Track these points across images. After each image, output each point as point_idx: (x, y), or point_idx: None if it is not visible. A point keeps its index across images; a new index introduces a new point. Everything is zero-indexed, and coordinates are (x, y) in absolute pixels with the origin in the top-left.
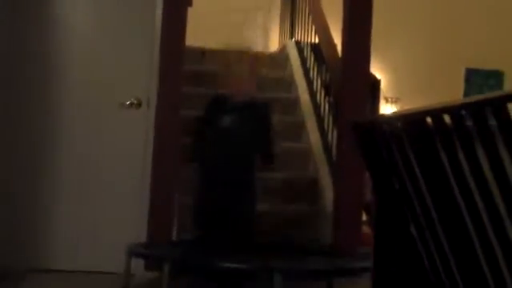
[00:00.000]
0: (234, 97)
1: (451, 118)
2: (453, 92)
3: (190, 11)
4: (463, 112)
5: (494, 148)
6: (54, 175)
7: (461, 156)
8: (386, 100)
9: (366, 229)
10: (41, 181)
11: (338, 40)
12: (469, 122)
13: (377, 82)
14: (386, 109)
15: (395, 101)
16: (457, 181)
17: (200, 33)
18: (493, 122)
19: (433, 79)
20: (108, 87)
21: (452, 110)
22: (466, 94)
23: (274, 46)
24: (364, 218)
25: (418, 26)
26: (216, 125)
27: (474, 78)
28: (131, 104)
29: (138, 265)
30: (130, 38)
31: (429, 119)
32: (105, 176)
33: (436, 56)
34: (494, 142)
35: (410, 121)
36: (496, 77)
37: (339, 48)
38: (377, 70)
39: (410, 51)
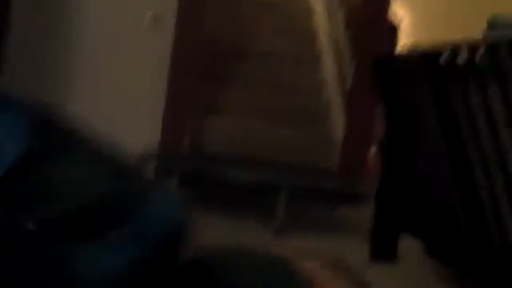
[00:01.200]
0: None
1: (468, 54)
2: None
3: None
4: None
5: (507, 88)
6: (70, 83)
7: (472, 94)
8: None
9: (374, 161)
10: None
11: None
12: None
13: (394, 29)
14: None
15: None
16: (466, 119)
17: None
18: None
19: (455, 28)
20: (128, 1)
21: (469, 47)
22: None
23: None
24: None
25: None
26: None
27: (499, 26)
28: (150, 19)
29: (148, 174)
30: None
31: (442, 58)
32: (122, 87)
33: (460, 4)
34: (506, 80)
35: (425, 57)
36: None
37: None
38: (397, 12)
39: None
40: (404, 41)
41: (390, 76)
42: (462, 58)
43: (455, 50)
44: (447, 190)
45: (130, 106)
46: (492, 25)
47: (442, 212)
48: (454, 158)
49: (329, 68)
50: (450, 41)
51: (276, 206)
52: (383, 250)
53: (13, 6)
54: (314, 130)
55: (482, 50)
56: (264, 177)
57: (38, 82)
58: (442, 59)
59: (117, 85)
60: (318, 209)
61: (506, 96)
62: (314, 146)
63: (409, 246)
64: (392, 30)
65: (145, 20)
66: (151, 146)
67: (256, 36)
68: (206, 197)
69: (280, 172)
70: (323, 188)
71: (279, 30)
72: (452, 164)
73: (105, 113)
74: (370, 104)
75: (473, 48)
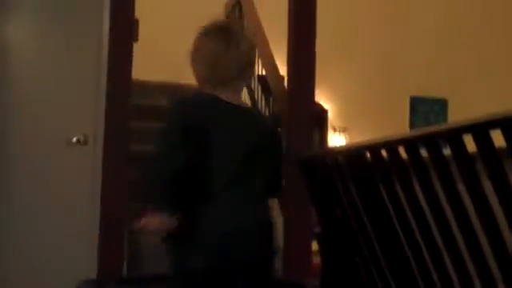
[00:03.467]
0: None
1: (388, 153)
2: (399, 120)
3: (136, 45)
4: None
5: (428, 180)
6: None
7: (397, 187)
8: (334, 129)
9: (317, 259)
10: None
11: (284, 73)
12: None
13: (324, 112)
14: (334, 138)
15: (343, 130)
16: (395, 212)
17: (148, 67)
18: (426, 155)
19: (379, 108)
20: (54, 123)
21: (388, 145)
22: (411, 122)
23: None
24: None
25: (364, 55)
26: None
27: (419, 106)
28: (78, 140)
29: None
30: (75, 74)
31: (368, 154)
32: (53, 213)
33: (382, 85)
34: (427, 174)
35: (350, 155)
36: (440, 105)
37: (286, 80)
38: (324, 100)
39: (357, 80)
40: (332, 125)
41: (315, 174)
42: (383, 155)
43: (377, 147)
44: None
45: (65, 233)
46: (412, 106)
47: None
48: (388, 254)
49: None
50: (371, 140)
51: None
52: None
53: None
54: None
55: (400, 147)
56: None
57: None
58: (365, 156)
59: (49, 211)
60: None
61: (429, 189)
62: None
63: None
64: (322, 115)
65: (73, 139)
66: (89, 272)
67: None
68: None
69: None
70: None
71: None
72: (387, 260)
73: (39, 241)
74: (306, 203)
75: (393, 144)
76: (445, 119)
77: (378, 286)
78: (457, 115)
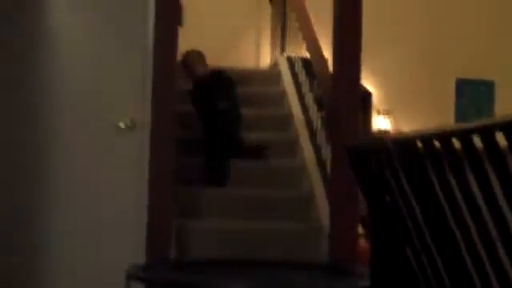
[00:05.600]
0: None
1: (440, 143)
2: (444, 102)
3: (181, 30)
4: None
5: (482, 171)
6: (49, 200)
7: (450, 178)
8: (378, 112)
9: (363, 242)
10: (38, 206)
11: (328, 55)
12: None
13: (368, 95)
14: (379, 121)
15: (387, 113)
16: (447, 202)
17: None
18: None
19: (424, 90)
20: (101, 110)
21: (441, 136)
22: (457, 104)
23: (265, 61)
24: (361, 231)
25: (409, 37)
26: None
27: (465, 88)
28: (125, 126)
29: (138, 287)
30: (121, 59)
31: (419, 143)
32: (101, 199)
33: (427, 67)
34: (481, 165)
35: (401, 145)
36: (487, 86)
37: (330, 63)
38: (368, 83)
39: (402, 63)
40: (377, 108)
41: (364, 163)
42: (436, 145)
43: (430, 137)
44: (439, 280)
45: (114, 218)
46: (458, 88)
47: None
48: (440, 245)
49: (307, 153)
50: (423, 129)
51: None
52: None
53: None
54: (300, 222)
55: (453, 137)
56: (255, 285)
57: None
58: (417, 146)
59: (98, 197)
60: None
61: (482, 179)
62: (301, 239)
63: None
64: (366, 97)
65: (121, 125)
66: (138, 257)
67: None
68: None
69: (271, 276)
70: (316, 285)
71: (254, 117)
72: (438, 251)
73: (86, 227)
74: (353, 185)
75: (447, 136)
76: (491, 101)
77: (428, 275)
78: (504, 97)
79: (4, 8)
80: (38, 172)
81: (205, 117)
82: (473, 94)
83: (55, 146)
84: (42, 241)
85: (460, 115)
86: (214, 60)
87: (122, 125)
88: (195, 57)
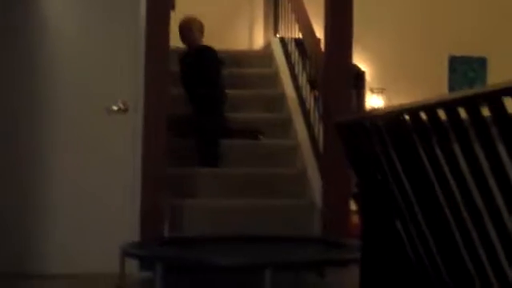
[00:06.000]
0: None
1: (427, 116)
2: (437, 80)
3: (173, 12)
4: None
5: (469, 144)
6: (43, 180)
7: (437, 150)
8: (372, 91)
9: (355, 218)
10: (31, 186)
11: (321, 36)
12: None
13: (361, 74)
14: (372, 99)
15: (381, 91)
16: (435, 175)
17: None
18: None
19: (417, 68)
20: (94, 92)
21: (427, 107)
22: (450, 81)
23: (258, 43)
24: (354, 207)
25: (401, 15)
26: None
27: (458, 65)
28: (118, 109)
29: (132, 264)
30: (114, 42)
31: (407, 116)
32: (96, 179)
33: (420, 44)
34: (468, 137)
35: (389, 119)
36: (480, 63)
37: (322, 43)
38: (361, 62)
39: (394, 41)
40: (370, 86)
41: (354, 138)
42: (422, 118)
43: (417, 109)
44: (428, 251)
45: (108, 198)
46: (451, 65)
47: (426, 273)
48: (429, 217)
49: (300, 132)
50: (410, 102)
51: (264, 285)
52: None
53: None
54: (292, 198)
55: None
56: (247, 259)
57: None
58: (405, 120)
59: (93, 177)
60: (306, 278)
61: (469, 150)
62: (294, 215)
63: None
64: (359, 76)
65: (114, 107)
66: (132, 235)
67: (227, 107)
68: (193, 282)
69: (263, 250)
70: (309, 258)
71: (247, 97)
72: (427, 223)
73: (82, 207)
74: (345, 162)
75: (433, 107)
76: (484, 78)
77: (417, 247)
78: (497, 73)
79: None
80: (33, 155)
81: (189, 98)
82: (466, 70)
83: (49, 129)
84: (37, 222)
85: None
86: (207, 42)
87: (114, 108)
88: (197, 26)
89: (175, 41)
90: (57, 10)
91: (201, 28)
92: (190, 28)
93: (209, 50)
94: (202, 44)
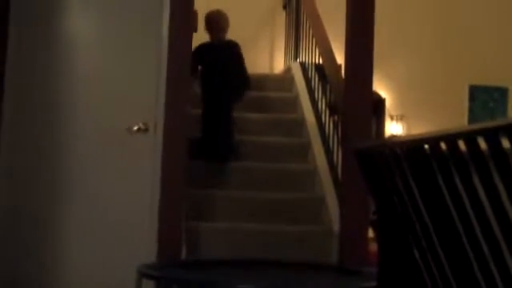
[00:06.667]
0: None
1: (447, 146)
2: (457, 108)
3: (195, 35)
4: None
5: (488, 175)
6: (63, 199)
7: (457, 181)
8: (392, 118)
9: (374, 246)
10: (51, 206)
11: (341, 61)
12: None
13: (381, 101)
14: (392, 126)
15: (400, 118)
16: (454, 205)
17: None
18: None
19: (437, 96)
20: (115, 112)
21: (448, 138)
22: (470, 111)
23: (279, 67)
24: (371, 234)
25: (422, 43)
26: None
27: (479, 94)
28: (138, 129)
29: (148, 286)
30: (135, 63)
31: (426, 146)
32: (114, 200)
33: (440, 73)
34: (488, 169)
35: (408, 147)
36: (500, 93)
37: (343, 69)
38: (382, 89)
39: (415, 68)
40: (390, 113)
41: (372, 165)
42: (443, 148)
43: (437, 139)
44: (446, 282)
45: (126, 219)
46: (471, 94)
47: None
48: (447, 247)
49: (319, 157)
50: (431, 131)
51: None
52: None
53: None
54: (310, 224)
55: (461, 140)
56: (264, 284)
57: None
58: (424, 149)
59: (111, 197)
60: None
61: (489, 182)
62: (311, 241)
63: None
64: (379, 103)
65: (134, 128)
66: (149, 256)
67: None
68: None
69: (279, 276)
70: (325, 285)
71: (267, 121)
72: (445, 253)
73: (99, 227)
74: (363, 189)
75: (453, 138)
76: (505, 108)
77: (435, 278)
78: None
79: (22, 14)
80: (53, 173)
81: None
82: (486, 100)
83: (69, 148)
84: (55, 240)
85: (473, 122)
86: None
87: (135, 128)
88: (226, 21)
89: None
90: (80, 28)
91: (228, 23)
92: (219, 20)
93: (239, 47)
94: (230, 39)
